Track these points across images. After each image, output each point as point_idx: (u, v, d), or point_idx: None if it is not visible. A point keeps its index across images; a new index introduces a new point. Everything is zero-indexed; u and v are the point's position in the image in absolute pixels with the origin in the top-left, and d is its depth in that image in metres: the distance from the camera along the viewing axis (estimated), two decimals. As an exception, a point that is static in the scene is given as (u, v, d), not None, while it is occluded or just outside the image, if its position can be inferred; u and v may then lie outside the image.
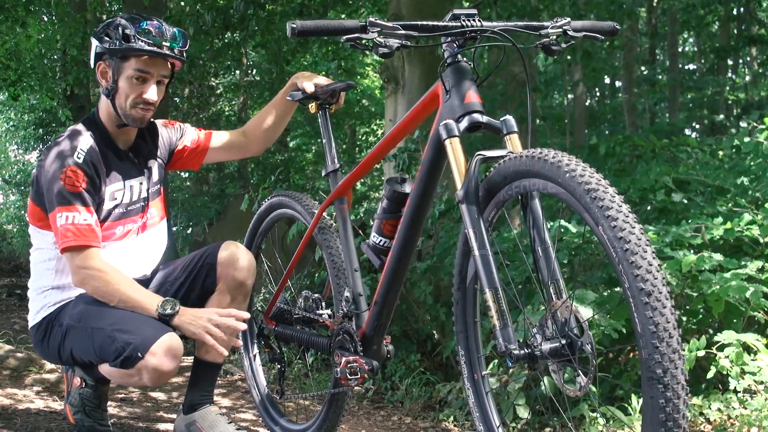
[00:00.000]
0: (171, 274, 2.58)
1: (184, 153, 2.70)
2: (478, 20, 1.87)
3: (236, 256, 2.53)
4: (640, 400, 2.83)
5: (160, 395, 3.77)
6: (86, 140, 2.40)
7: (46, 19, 10.58)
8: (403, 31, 1.84)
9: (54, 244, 2.41)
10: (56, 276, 2.47)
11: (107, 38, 2.35)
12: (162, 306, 2.30)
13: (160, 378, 2.28)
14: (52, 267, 2.47)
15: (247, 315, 2.34)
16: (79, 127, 2.46)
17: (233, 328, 2.29)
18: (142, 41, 2.31)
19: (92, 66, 2.44)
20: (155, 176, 2.60)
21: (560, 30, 1.93)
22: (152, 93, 2.39)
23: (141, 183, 2.54)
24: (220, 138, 2.75)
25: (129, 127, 2.47)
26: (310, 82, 2.57)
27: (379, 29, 1.82)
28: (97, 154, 2.40)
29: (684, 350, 1.41)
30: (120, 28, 2.33)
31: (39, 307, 2.50)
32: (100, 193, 2.40)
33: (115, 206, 2.47)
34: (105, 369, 2.38)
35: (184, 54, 2.44)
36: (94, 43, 2.39)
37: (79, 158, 2.34)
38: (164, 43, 2.34)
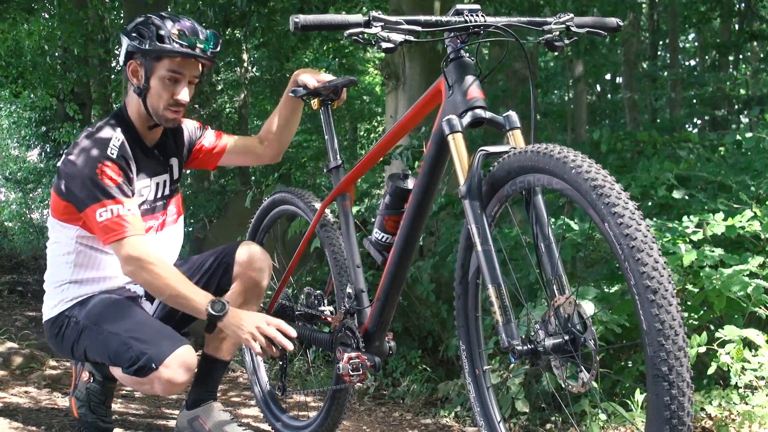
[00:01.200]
0: (187, 271, 2.56)
1: (201, 152, 2.70)
2: (482, 15, 1.86)
3: (254, 257, 2.53)
4: (642, 396, 2.83)
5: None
6: (117, 136, 2.39)
7: (47, 16, 10.58)
8: (406, 26, 1.84)
9: (75, 237, 2.41)
10: (75, 270, 2.46)
11: (140, 37, 2.33)
12: (212, 306, 2.27)
13: (173, 389, 2.29)
14: (71, 261, 2.45)
15: (294, 333, 2.30)
16: (108, 122, 2.44)
17: (282, 344, 2.25)
18: (176, 42, 2.30)
19: (122, 63, 2.42)
20: (176, 173, 2.62)
21: (563, 26, 1.93)
22: (184, 94, 2.39)
23: (165, 180, 2.55)
24: (238, 143, 2.75)
25: (159, 126, 2.47)
26: (311, 78, 2.57)
27: (382, 24, 1.81)
28: (128, 149, 2.40)
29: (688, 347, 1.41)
30: (154, 28, 2.31)
31: (56, 301, 2.49)
32: (131, 187, 2.40)
33: (142, 203, 2.47)
34: (117, 373, 2.39)
35: (215, 55, 2.43)
36: (125, 41, 2.37)
37: (113, 153, 2.34)
38: (198, 45, 2.33)
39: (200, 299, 2.28)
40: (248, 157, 2.82)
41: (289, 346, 2.25)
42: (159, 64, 2.34)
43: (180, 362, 2.26)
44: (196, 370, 2.56)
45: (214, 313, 2.26)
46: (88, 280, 2.45)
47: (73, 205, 2.36)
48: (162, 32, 2.30)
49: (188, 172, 13.46)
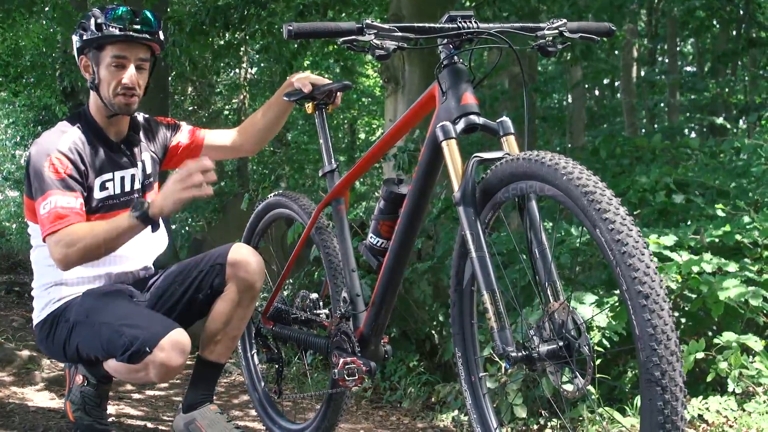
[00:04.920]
0: (180, 274, 2.54)
1: (178, 149, 2.70)
2: (474, 22, 1.87)
3: (246, 259, 2.50)
4: (638, 401, 2.83)
5: (159, 393, 3.77)
6: (73, 131, 2.43)
7: (47, 12, 10.58)
8: (399, 33, 1.83)
9: None
10: (58, 271, 2.44)
11: (84, 31, 2.39)
12: (134, 210, 2.26)
13: (168, 374, 2.28)
14: (53, 263, 2.45)
15: (209, 163, 2.25)
16: (67, 120, 2.49)
17: (202, 166, 2.22)
18: (112, 27, 2.35)
19: (78, 63, 2.47)
20: (149, 169, 2.61)
21: (556, 31, 1.93)
22: (130, 77, 2.40)
23: (133, 174, 2.55)
24: (215, 136, 2.76)
25: (119, 117, 2.49)
26: (306, 81, 2.57)
27: (375, 31, 1.81)
28: (84, 143, 2.42)
29: (682, 352, 1.41)
30: (93, 19, 2.37)
31: (44, 304, 2.50)
32: (87, 181, 2.41)
33: (108, 197, 2.47)
34: (111, 365, 2.38)
35: (160, 36, 2.45)
36: (74, 39, 2.43)
37: (63, 146, 2.36)
38: (135, 26, 2.37)
39: (124, 219, 2.28)
40: (226, 152, 2.82)
41: (209, 164, 2.23)
42: (103, 52, 2.39)
43: (174, 344, 2.24)
44: (190, 364, 2.55)
45: (140, 212, 2.25)
46: (73, 280, 2.45)
47: (32, 199, 2.37)
48: (99, 21, 2.35)
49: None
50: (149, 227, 2.32)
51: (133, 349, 2.24)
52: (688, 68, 17.00)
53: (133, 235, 2.35)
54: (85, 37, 2.38)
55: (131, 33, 2.36)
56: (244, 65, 13.43)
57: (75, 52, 2.45)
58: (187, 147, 2.71)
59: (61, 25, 9.58)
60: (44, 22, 10.64)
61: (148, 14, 2.41)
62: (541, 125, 11.51)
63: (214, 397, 2.61)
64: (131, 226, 2.28)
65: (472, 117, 1.84)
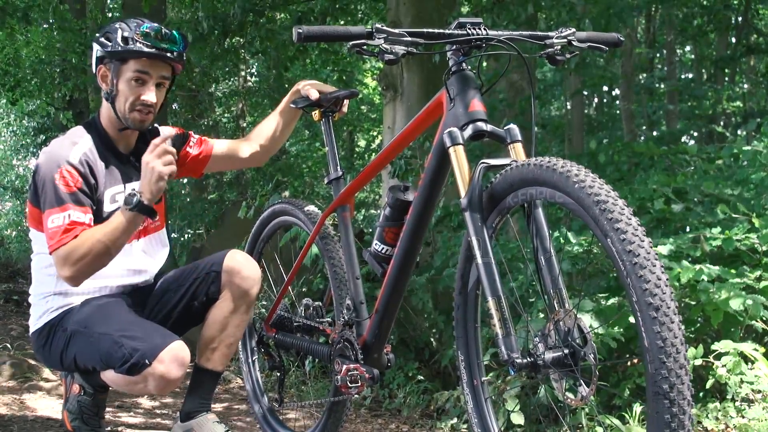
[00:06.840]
0: (175, 281, 2.54)
1: (186, 159, 2.69)
2: (484, 29, 1.87)
3: (242, 265, 2.49)
4: (637, 408, 2.83)
5: (156, 402, 3.76)
6: (83, 141, 2.40)
7: (46, 26, 10.59)
8: (409, 38, 1.84)
9: None
10: (58, 281, 2.42)
11: (108, 42, 2.36)
12: (127, 205, 2.25)
13: (167, 386, 2.27)
14: (54, 272, 2.41)
15: (171, 131, 2.30)
16: (78, 129, 2.46)
17: (166, 150, 2.26)
18: (140, 43, 2.33)
19: (94, 71, 2.44)
20: None
21: (565, 40, 1.93)
22: (150, 95, 2.38)
23: None
24: (223, 146, 2.75)
25: (130, 130, 2.47)
26: (314, 89, 2.57)
27: (385, 36, 1.81)
28: (94, 155, 2.40)
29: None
30: (119, 31, 2.34)
31: (41, 312, 2.48)
32: (96, 194, 2.39)
33: (117, 209, 2.46)
34: (109, 376, 2.37)
35: (184, 57, 2.44)
36: (96, 47, 2.40)
37: (74, 158, 2.34)
38: (162, 45, 2.35)
39: (120, 217, 2.27)
40: (234, 161, 2.80)
41: (171, 149, 2.27)
42: (125, 66, 2.36)
43: (173, 357, 2.24)
44: (190, 373, 2.54)
45: (134, 204, 2.23)
46: (72, 290, 2.43)
47: (39, 210, 2.35)
48: (126, 34, 2.33)
49: (185, 181, 13.52)
50: (150, 214, 2.31)
51: (132, 361, 2.22)
52: (687, 75, 17.04)
53: (135, 228, 2.33)
54: (109, 49, 2.35)
55: (158, 51, 2.34)
56: (243, 73, 13.42)
57: (93, 61, 2.42)
58: (195, 157, 2.70)
59: (61, 33, 9.57)
60: (42, 30, 10.63)
61: (176, 34, 2.40)
62: (540, 132, 11.52)
63: (212, 405, 2.59)
64: (130, 220, 2.27)
65: (480, 124, 1.84)
